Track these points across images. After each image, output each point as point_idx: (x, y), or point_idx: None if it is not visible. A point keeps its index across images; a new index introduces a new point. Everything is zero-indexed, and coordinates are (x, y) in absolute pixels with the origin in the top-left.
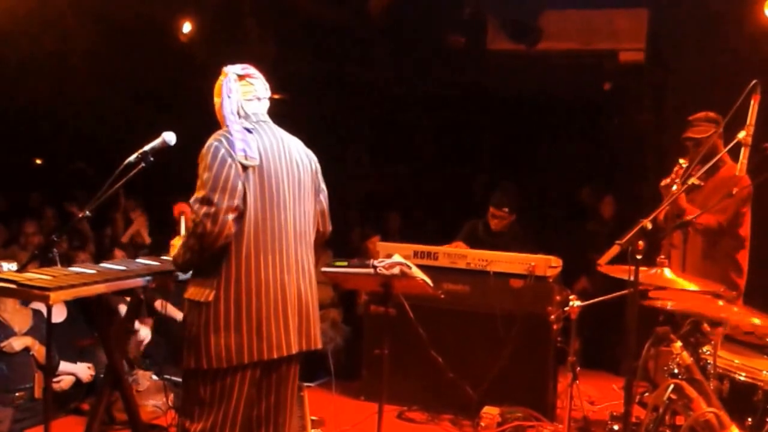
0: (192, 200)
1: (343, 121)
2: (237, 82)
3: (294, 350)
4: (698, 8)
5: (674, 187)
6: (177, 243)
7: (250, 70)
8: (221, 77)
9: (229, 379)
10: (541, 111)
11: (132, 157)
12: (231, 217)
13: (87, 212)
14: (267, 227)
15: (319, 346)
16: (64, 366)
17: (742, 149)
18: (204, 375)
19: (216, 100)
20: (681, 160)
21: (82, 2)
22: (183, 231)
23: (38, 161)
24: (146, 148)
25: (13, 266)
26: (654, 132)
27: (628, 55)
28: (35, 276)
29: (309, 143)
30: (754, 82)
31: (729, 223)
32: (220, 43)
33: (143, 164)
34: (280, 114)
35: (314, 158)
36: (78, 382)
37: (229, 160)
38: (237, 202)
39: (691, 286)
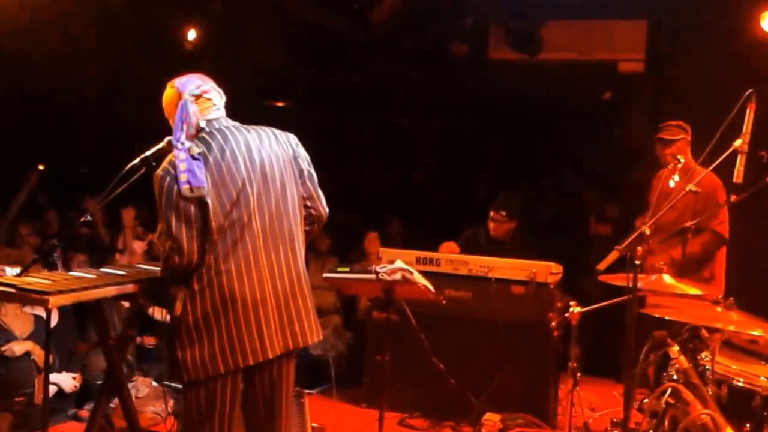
0: (157, 234)
1: (346, 129)
2: (194, 103)
3: (270, 354)
4: (696, 19)
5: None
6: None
7: (205, 85)
8: (171, 92)
9: (212, 388)
10: (541, 120)
11: (134, 162)
12: (195, 243)
13: (88, 216)
14: (227, 236)
15: (309, 341)
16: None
17: (739, 156)
18: (189, 386)
19: (173, 118)
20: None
21: (90, 7)
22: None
23: (41, 166)
24: (148, 153)
25: (16, 271)
26: (653, 141)
27: (627, 65)
28: (35, 280)
29: (312, 150)
30: (749, 91)
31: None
32: (225, 51)
33: (145, 169)
34: (283, 121)
35: (292, 141)
36: (61, 392)
37: (176, 188)
38: (195, 227)
39: (692, 291)
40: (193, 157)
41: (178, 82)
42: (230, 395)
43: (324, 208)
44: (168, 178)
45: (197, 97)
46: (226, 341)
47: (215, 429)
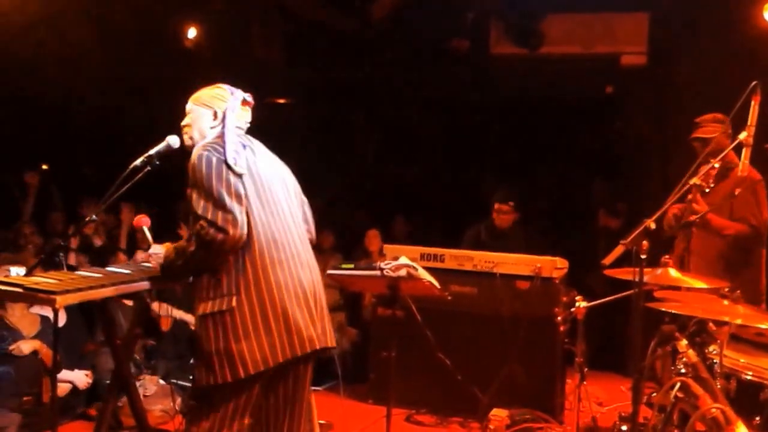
0: (200, 212)
1: (348, 126)
2: (240, 106)
3: (317, 345)
4: (698, 11)
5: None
6: (171, 245)
7: (250, 99)
8: (218, 91)
9: (254, 383)
10: (544, 114)
11: (138, 161)
12: (245, 217)
13: (93, 216)
14: (271, 228)
15: (331, 344)
16: (60, 373)
17: (744, 149)
18: (230, 385)
19: (204, 110)
20: (712, 161)
21: (90, 7)
22: (150, 239)
23: (45, 166)
24: (151, 152)
25: (22, 271)
26: (656, 134)
27: (629, 58)
28: (42, 280)
29: (314, 147)
30: (754, 83)
31: (763, 224)
32: (226, 48)
33: (149, 168)
34: (286, 119)
35: (287, 168)
36: (75, 389)
37: (224, 166)
38: (244, 202)
39: (697, 284)
40: (242, 145)
41: (226, 86)
42: (257, 389)
43: (314, 232)
44: (215, 158)
45: (245, 103)
46: (284, 328)
47: (245, 426)
